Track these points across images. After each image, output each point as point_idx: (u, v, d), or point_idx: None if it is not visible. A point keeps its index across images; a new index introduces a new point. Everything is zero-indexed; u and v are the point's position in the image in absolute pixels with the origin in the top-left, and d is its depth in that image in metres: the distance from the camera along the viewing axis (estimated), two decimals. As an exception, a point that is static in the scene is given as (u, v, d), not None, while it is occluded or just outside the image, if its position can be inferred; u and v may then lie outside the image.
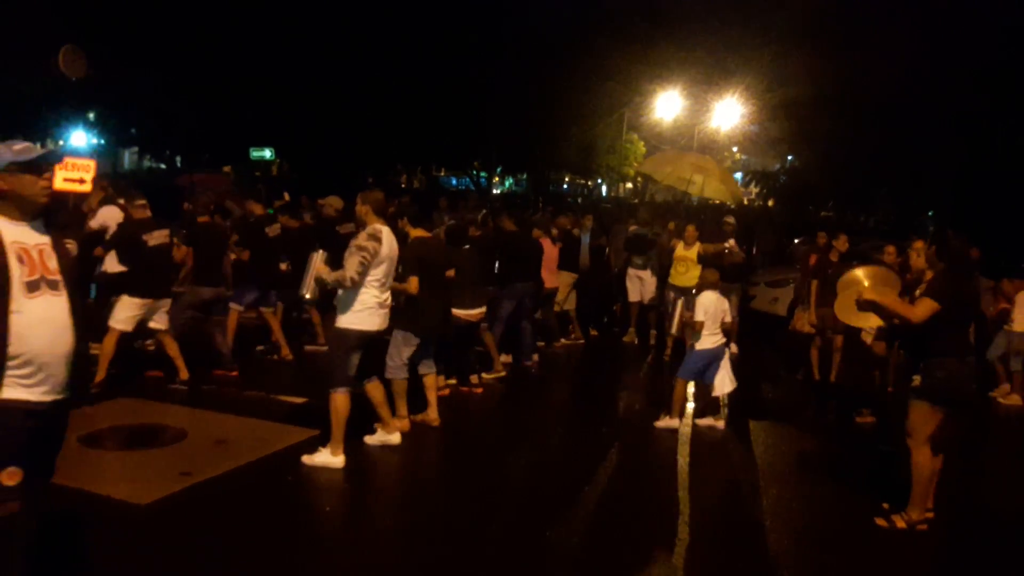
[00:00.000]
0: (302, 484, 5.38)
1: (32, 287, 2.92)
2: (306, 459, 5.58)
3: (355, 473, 5.53)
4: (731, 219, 11.02)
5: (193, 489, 5.05)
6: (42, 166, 3.02)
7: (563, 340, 10.42)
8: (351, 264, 5.38)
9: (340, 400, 5.52)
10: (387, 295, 5.69)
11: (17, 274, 2.89)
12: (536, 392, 8.52)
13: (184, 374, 7.36)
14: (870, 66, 17.42)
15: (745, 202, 28.52)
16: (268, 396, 7.28)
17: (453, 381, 7.85)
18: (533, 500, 5.34)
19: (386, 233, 5.60)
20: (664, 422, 7.03)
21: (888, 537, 4.99)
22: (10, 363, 2.84)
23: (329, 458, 5.54)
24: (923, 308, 4.80)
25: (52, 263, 3.01)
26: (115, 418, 6.36)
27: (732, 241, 10.91)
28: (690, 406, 7.91)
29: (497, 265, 8.95)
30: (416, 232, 6.48)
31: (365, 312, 5.49)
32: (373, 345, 5.79)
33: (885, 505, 5.26)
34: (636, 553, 4.61)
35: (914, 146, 17.14)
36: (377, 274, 5.49)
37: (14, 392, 2.87)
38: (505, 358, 8.91)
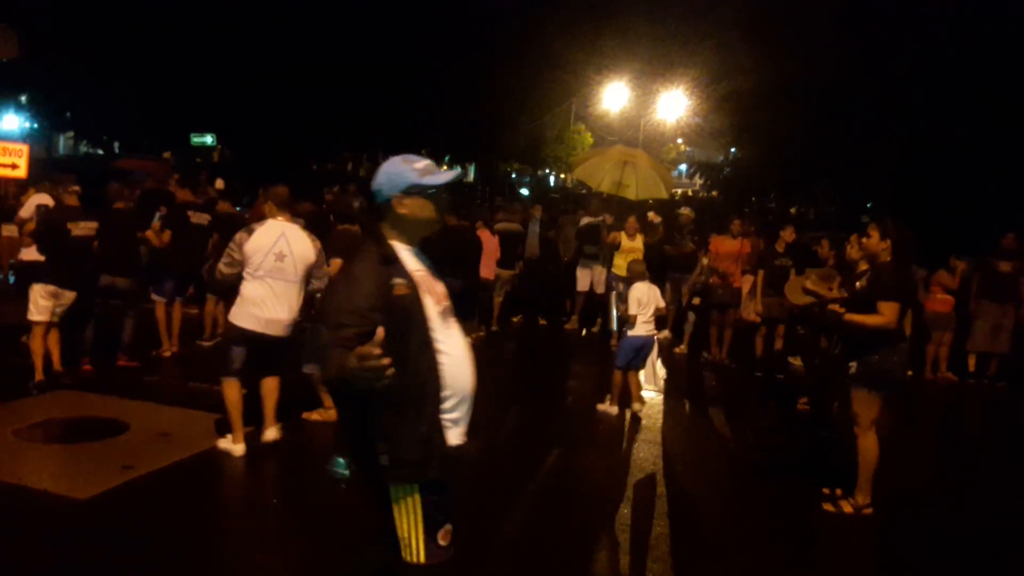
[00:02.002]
0: (247, 477, 5.30)
1: (444, 317, 2.69)
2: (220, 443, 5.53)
3: (300, 464, 5.46)
4: (687, 210, 11.12)
5: (135, 483, 4.91)
6: (441, 192, 2.71)
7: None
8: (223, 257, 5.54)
9: (225, 388, 5.46)
10: (270, 298, 5.38)
11: (432, 306, 2.65)
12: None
13: (40, 375, 6.65)
14: (810, 59, 17.74)
15: (690, 193, 28.89)
16: (212, 388, 7.10)
17: None
18: (471, 486, 5.35)
19: (271, 226, 5.46)
20: (604, 407, 7.18)
21: (836, 522, 5.10)
22: (444, 406, 2.61)
23: (230, 445, 5.47)
24: (890, 311, 4.85)
25: (441, 289, 2.75)
26: (54, 411, 6.17)
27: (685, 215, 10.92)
28: (648, 394, 8.00)
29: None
30: (342, 227, 6.89)
31: (242, 308, 5.39)
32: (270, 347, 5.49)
33: (827, 491, 5.40)
34: (576, 541, 4.64)
35: (854, 138, 17.51)
36: (250, 266, 5.38)
37: (453, 438, 2.66)
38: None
